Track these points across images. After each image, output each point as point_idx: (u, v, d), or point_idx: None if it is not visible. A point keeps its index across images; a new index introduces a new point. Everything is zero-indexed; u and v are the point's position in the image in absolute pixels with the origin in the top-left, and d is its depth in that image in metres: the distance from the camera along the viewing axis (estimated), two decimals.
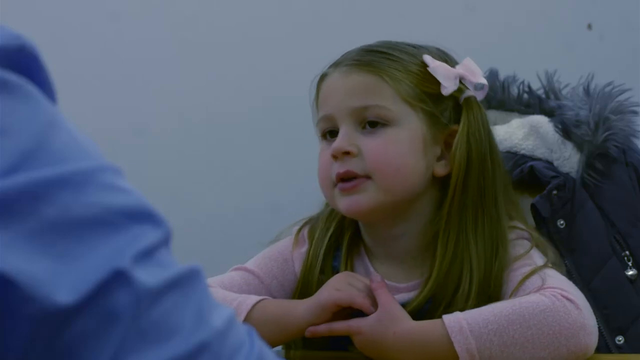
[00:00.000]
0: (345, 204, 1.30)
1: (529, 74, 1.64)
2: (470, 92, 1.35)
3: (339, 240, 1.39)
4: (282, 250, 1.41)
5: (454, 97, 1.34)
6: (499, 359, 1.17)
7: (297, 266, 1.39)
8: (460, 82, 1.35)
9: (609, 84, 1.56)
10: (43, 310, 0.57)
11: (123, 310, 0.59)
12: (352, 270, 1.37)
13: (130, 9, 2.26)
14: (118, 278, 0.59)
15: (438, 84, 1.33)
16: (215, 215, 2.27)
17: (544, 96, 1.62)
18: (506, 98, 1.64)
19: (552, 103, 1.59)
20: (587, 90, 1.56)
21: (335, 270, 1.36)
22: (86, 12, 2.25)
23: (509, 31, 2.24)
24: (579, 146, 1.53)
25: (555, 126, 1.55)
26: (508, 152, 1.58)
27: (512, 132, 1.59)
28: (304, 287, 1.37)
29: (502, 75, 1.64)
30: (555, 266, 1.31)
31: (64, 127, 0.62)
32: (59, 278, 0.58)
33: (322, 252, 1.37)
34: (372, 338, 1.21)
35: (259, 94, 2.24)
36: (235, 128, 2.26)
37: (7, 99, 0.60)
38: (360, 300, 1.23)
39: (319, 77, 1.37)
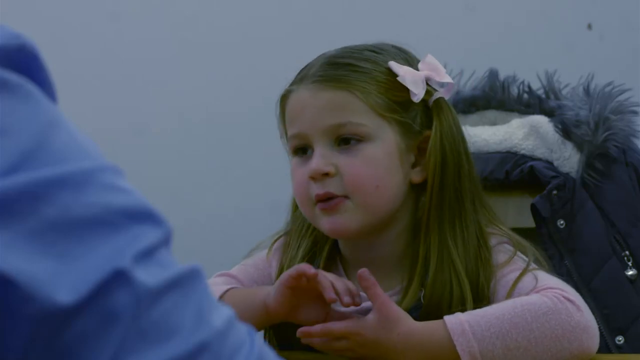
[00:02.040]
0: (329, 225, 1.29)
1: (529, 74, 1.64)
2: (438, 94, 1.32)
3: (313, 253, 1.37)
4: (261, 258, 1.41)
5: (423, 100, 1.31)
6: None
7: (274, 275, 1.39)
8: (427, 83, 1.32)
9: (609, 84, 1.56)
10: (43, 310, 0.57)
11: (123, 310, 0.59)
12: None
13: (130, 9, 2.26)
14: (118, 278, 0.59)
15: (406, 90, 1.30)
16: (215, 215, 2.27)
17: (544, 96, 1.62)
18: (506, 98, 1.64)
19: (552, 103, 1.59)
20: (587, 90, 1.56)
21: None
22: (86, 12, 2.25)
23: (509, 31, 2.24)
24: (579, 146, 1.53)
25: (555, 126, 1.55)
26: (508, 152, 1.58)
27: (512, 132, 1.59)
28: None
29: (502, 75, 1.65)
30: (539, 265, 1.30)
31: (64, 127, 0.62)
32: (59, 278, 0.58)
33: (297, 263, 1.35)
34: (375, 339, 1.19)
35: (259, 94, 2.23)
36: (235, 128, 2.26)
37: (7, 98, 0.60)
38: (323, 278, 1.21)
39: (283, 93, 1.35)
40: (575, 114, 1.53)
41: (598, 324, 1.22)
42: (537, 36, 2.24)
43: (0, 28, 0.63)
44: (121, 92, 2.26)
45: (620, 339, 1.49)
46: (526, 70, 1.65)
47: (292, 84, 1.35)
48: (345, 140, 1.29)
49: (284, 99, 1.36)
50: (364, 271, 1.22)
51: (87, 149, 0.63)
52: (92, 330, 0.58)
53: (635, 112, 1.55)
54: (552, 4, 2.26)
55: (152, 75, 2.26)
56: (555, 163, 1.55)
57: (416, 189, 1.33)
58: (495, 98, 1.64)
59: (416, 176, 1.32)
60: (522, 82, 1.63)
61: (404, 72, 1.30)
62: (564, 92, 1.61)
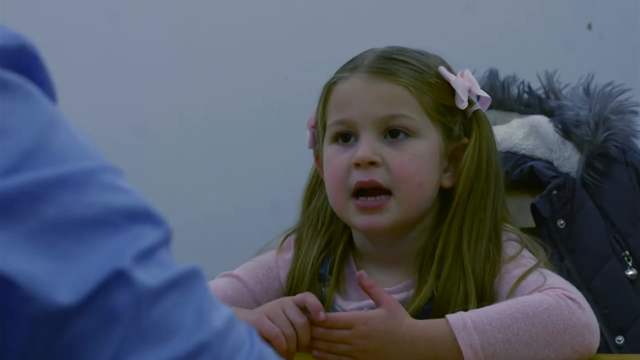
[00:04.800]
0: (364, 223, 1.30)
1: (529, 74, 1.64)
2: (477, 106, 1.36)
3: (328, 247, 1.38)
4: (267, 258, 1.41)
5: (463, 110, 1.34)
6: (502, 356, 1.17)
7: (282, 273, 1.39)
8: None
9: (609, 84, 1.56)
10: (43, 311, 0.57)
11: (123, 310, 0.59)
12: (342, 277, 1.36)
13: (130, 9, 2.26)
14: (118, 278, 0.59)
15: (452, 96, 1.34)
16: (215, 215, 2.27)
17: (544, 96, 1.62)
18: (506, 98, 1.64)
19: (552, 103, 1.59)
20: (587, 90, 1.56)
21: (322, 278, 1.36)
22: (86, 12, 2.25)
23: (509, 31, 2.24)
24: (579, 146, 1.53)
25: (555, 126, 1.55)
26: (508, 152, 1.58)
27: (512, 132, 1.59)
28: (291, 295, 1.36)
29: (502, 75, 1.64)
30: (547, 267, 1.31)
31: (64, 127, 0.62)
32: (59, 278, 0.58)
33: (311, 260, 1.36)
34: (383, 330, 1.19)
35: (259, 94, 2.23)
36: (235, 128, 2.26)
37: (7, 98, 0.60)
38: (280, 340, 1.18)
39: (332, 80, 1.35)
40: (575, 114, 1.53)
41: (598, 324, 1.23)
42: (537, 36, 2.23)
43: (0, 28, 0.63)
44: (121, 92, 2.26)
45: (620, 339, 1.49)
46: (526, 70, 1.65)
47: (341, 72, 1.35)
48: (392, 133, 1.31)
49: (332, 85, 1.35)
50: (362, 273, 1.23)
51: (87, 149, 0.63)
52: (92, 330, 0.58)
53: (635, 112, 1.55)
54: (552, 4, 2.26)
55: (152, 75, 2.26)
56: (555, 163, 1.55)
57: (441, 192, 1.35)
58: (495, 98, 1.63)
59: (447, 181, 1.35)
60: (522, 82, 1.63)
61: (455, 78, 1.34)
62: (564, 92, 1.61)
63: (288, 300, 1.22)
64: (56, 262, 0.58)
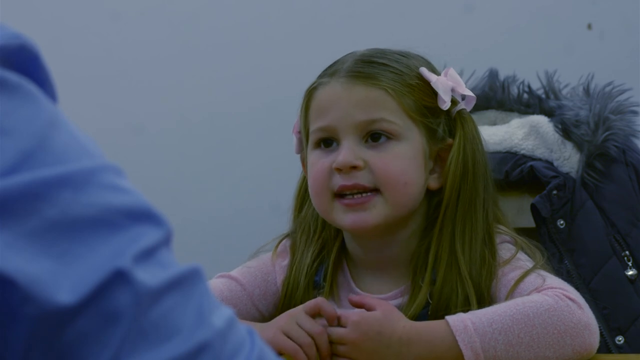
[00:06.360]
0: (351, 220, 1.29)
1: (529, 74, 1.64)
2: (461, 105, 1.35)
3: (322, 254, 1.38)
4: (265, 261, 1.40)
5: (447, 110, 1.33)
6: (503, 357, 1.17)
7: (279, 278, 1.38)
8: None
9: (609, 84, 1.56)
10: (43, 311, 0.57)
11: (123, 310, 0.59)
12: (335, 284, 1.36)
13: (130, 9, 2.26)
14: (118, 278, 0.59)
15: (434, 97, 1.32)
16: (215, 215, 2.27)
17: (544, 96, 1.62)
18: (506, 98, 1.64)
19: (552, 103, 1.59)
20: (587, 90, 1.56)
21: (317, 285, 1.36)
22: (86, 12, 2.25)
23: (509, 31, 2.24)
24: (579, 146, 1.53)
25: (555, 126, 1.55)
26: (508, 152, 1.58)
27: (512, 132, 1.59)
28: (287, 302, 1.36)
29: (502, 75, 1.64)
30: (544, 268, 1.31)
31: (64, 127, 0.62)
32: (59, 278, 0.58)
33: (305, 267, 1.36)
34: (379, 329, 1.19)
35: (259, 94, 2.23)
36: (235, 128, 2.26)
37: (7, 98, 0.60)
38: (300, 356, 1.19)
39: (312, 85, 1.35)
40: (575, 114, 1.53)
41: (598, 324, 1.23)
42: (537, 36, 2.23)
43: (0, 28, 0.63)
44: (121, 91, 2.26)
45: (620, 339, 1.49)
46: (526, 70, 1.65)
47: (321, 77, 1.35)
48: (374, 137, 1.30)
49: (312, 91, 1.35)
50: (350, 297, 1.25)
51: (88, 149, 0.63)
52: (93, 330, 0.58)
53: (635, 112, 1.55)
54: (552, 4, 2.25)
55: (152, 75, 2.26)
56: (555, 163, 1.55)
57: (429, 194, 1.34)
58: (495, 98, 1.63)
59: (433, 182, 1.34)
60: (522, 82, 1.63)
61: (436, 79, 1.32)
62: (564, 92, 1.61)
63: (300, 312, 1.22)
64: (56, 262, 0.58)
